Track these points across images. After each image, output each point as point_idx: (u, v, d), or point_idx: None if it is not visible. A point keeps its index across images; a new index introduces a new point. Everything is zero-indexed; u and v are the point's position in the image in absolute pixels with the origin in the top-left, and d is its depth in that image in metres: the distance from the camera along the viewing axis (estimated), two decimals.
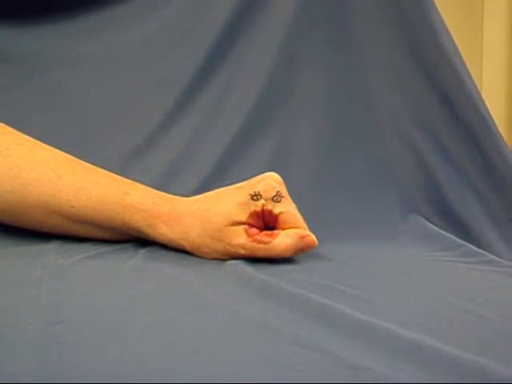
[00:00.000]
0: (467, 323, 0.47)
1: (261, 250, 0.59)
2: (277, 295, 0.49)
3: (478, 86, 0.84)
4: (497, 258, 0.66)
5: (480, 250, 0.67)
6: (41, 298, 0.48)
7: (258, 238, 0.59)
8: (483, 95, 0.83)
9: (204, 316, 0.46)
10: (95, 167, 0.67)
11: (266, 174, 0.61)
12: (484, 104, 0.81)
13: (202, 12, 0.83)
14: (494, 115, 0.82)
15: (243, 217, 0.59)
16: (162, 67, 0.82)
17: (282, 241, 0.59)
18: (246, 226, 0.59)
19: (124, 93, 0.81)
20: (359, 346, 0.41)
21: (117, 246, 0.64)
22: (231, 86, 0.79)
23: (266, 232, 0.60)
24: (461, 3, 1.91)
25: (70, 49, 0.84)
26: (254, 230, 0.60)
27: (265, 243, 0.59)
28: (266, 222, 0.60)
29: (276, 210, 0.60)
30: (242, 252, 0.59)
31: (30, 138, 0.68)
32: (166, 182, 0.71)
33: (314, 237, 0.60)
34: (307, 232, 0.60)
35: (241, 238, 0.59)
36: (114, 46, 0.84)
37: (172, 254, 0.62)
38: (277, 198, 0.60)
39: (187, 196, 0.64)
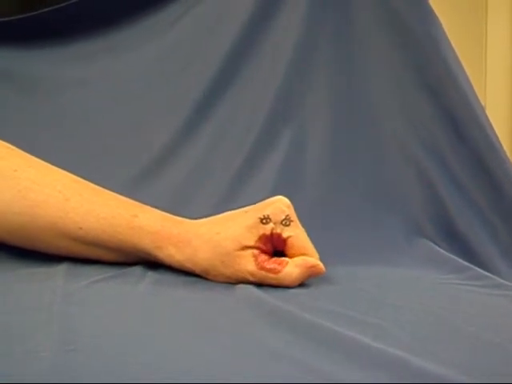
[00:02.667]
0: (477, 350, 0.47)
1: (269, 279, 0.59)
2: (288, 322, 0.49)
3: (482, 104, 0.84)
4: (505, 282, 0.65)
5: (488, 274, 0.67)
6: (52, 324, 0.48)
7: (267, 266, 0.59)
8: (487, 113, 0.83)
9: (215, 343, 0.46)
10: (103, 189, 0.67)
11: (275, 197, 0.62)
12: (489, 124, 0.80)
13: (209, 33, 0.83)
14: (498, 134, 0.82)
15: (252, 240, 0.59)
16: (170, 90, 0.82)
17: (290, 271, 0.59)
18: (254, 251, 0.59)
19: (132, 115, 0.82)
20: (371, 373, 0.41)
21: (125, 269, 0.64)
22: (237, 110, 0.80)
23: (274, 260, 0.60)
24: (464, 20, 1.91)
25: (77, 71, 0.85)
26: (263, 257, 0.59)
27: (273, 273, 0.59)
28: (275, 245, 0.60)
29: (285, 234, 0.60)
30: (251, 279, 0.59)
31: (38, 160, 0.68)
32: (174, 205, 0.71)
33: (321, 265, 0.60)
34: (315, 261, 0.60)
35: (249, 266, 0.59)
36: (122, 68, 0.85)
37: (180, 277, 0.62)
38: (286, 222, 0.60)
39: (196, 219, 0.64)
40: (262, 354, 0.44)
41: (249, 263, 0.59)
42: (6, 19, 0.84)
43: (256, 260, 0.59)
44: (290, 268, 0.59)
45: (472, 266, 0.69)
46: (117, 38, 0.86)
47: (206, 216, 0.64)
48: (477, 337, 0.49)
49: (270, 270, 0.59)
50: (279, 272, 0.59)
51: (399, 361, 0.42)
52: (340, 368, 0.41)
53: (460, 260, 0.71)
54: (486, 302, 0.60)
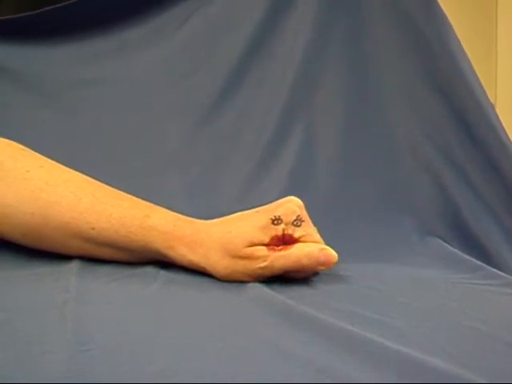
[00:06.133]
0: (490, 349, 0.47)
1: (280, 258, 0.59)
2: (300, 321, 0.49)
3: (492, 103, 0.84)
4: None
5: (500, 273, 0.67)
6: (65, 324, 0.48)
7: (278, 248, 0.59)
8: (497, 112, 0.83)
9: (227, 343, 0.46)
10: (115, 190, 0.67)
11: (287, 198, 0.62)
12: (500, 124, 0.80)
13: (219, 33, 0.84)
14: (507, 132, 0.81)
15: (264, 240, 0.59)
16: (180, 90, 0.82)
17: (301, 246, 0.59)
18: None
19: (142, 114, 0.82)
20: (385, 374, 0.41)
21: (137, 269, 0.64)
22: (248, 111, 0.80)
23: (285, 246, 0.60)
24: (474, 19, 1.91)
25: (86, 71, 0.85)
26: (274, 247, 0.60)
27: (285, 249, 0.59)
28: (287, 245, 0.60)
29: (296, 235, 0.60)
30: (262, 265, 0.59)
31: (50, 161, 0.69)
32: (187, 205, 0.71)
33: (333, 251, 0.60)
34: (326, 246, 0.60)
35: (261, 252, 0.59)
36: (132, 67, 0.85)
37: (193, 277, 0.62)
38: (297, 223, 0.60)
39: (208, 219, 0.64)
40: (274, 354, 0.44)
41: (260, 250, 0.59)
42: (14, 16, 0.84)
43: (267, 247, 0.59)
44: (301, 245, 0.59)
45: (485, 265, 0.69)
46: (126, 38, 0.86)
47: (218, 216, 0.64)
48: (490, 336, 0.49)
49: (280, 250, 0.59)
50: (290, 248, 0.59)
51: (413, 361, 0.42)
52: (353, 368, 0.41)
53: (473, 259, 0.71)
54: (499, 301, 0.60)
